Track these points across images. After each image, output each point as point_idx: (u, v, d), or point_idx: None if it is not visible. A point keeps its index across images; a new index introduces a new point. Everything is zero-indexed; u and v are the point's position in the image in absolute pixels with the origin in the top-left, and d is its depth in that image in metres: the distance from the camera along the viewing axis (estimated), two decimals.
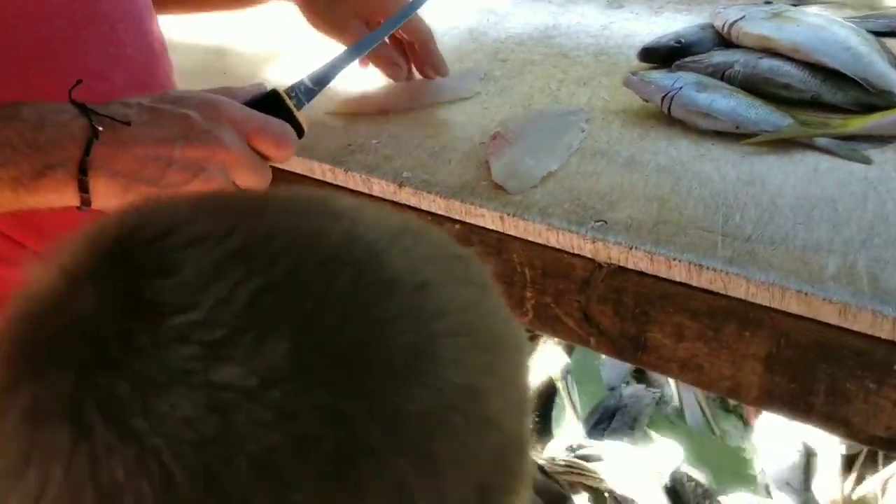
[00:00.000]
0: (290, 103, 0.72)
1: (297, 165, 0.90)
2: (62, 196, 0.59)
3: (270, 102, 0.71)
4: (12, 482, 0.30)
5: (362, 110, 0.97)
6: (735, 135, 0.81)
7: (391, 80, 0.98)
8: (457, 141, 0.88)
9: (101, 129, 0.59)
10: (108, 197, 0.60)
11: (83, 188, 0.59)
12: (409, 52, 1.00)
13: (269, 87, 0.73)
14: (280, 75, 1.02)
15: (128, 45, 0.78)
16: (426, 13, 1.00)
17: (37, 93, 0.63)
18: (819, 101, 0.84)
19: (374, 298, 0.33)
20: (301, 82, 0.77)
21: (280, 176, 0.92)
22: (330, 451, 0.29)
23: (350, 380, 0.31)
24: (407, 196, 0.81)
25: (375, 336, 0.32)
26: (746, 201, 0.71)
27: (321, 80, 0.79)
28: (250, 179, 0.66)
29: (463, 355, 0.34)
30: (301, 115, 0.73)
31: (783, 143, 0.79)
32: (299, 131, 0.72)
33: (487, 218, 0.76)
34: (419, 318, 0.33)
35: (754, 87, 0.86)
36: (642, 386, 1.90)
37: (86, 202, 0.60)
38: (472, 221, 0.78)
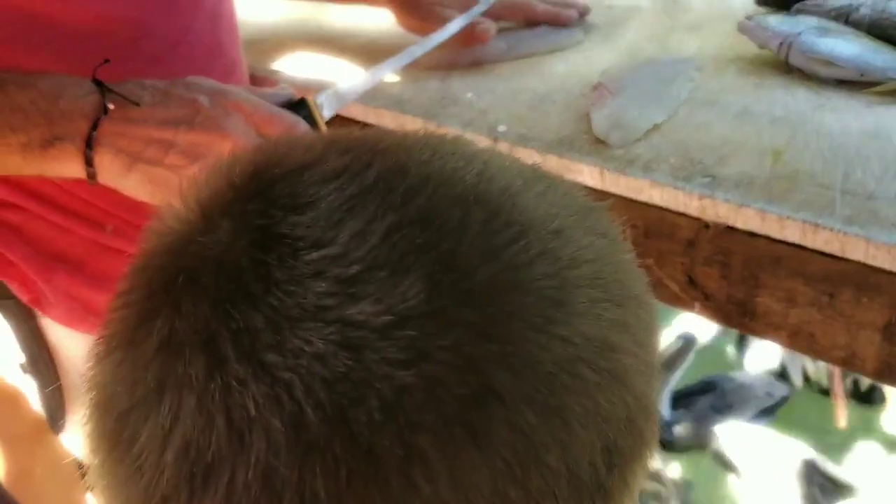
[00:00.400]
0: (316, 112, 0.69)
1: (388, 119, 0.89)
2: (68, 167, 0.61)
3: (298, 110, 0.68)
4: (146, 411, 0.30)
5: (458, 63, 0.94)
6: (859, 83, 0.74)
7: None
8: (556, 93, 0.84)
9: (111, 106, 0.61)
10: (112, 173, 0.61)
11: (88, 162, 0.61)
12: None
13: (295, 94, 0.70)
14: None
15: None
16: None
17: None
18: None
19: (510, 240, 0.32)
20: (333, 90, 0.73)
21: None
22: (459, 395, 0.28)
23: (484, 323, 0.30)
24: (503, 151, 0.78)
25: (510, 279, 0.31)
26: (870, 155, 0.65)
27: (352, 91, 0.76)
28: None
29: (596, 308, 0.32)
30: (324, 126, 0.70)
31: None
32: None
33: (586, 173, 0.72)
34: (554, 265, 0.32)
35: (883, 32, 0.79)
36: None
37: (91, 176, 0.61)
38: (571, 177, 0.74)
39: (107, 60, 0.63)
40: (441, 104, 0.86)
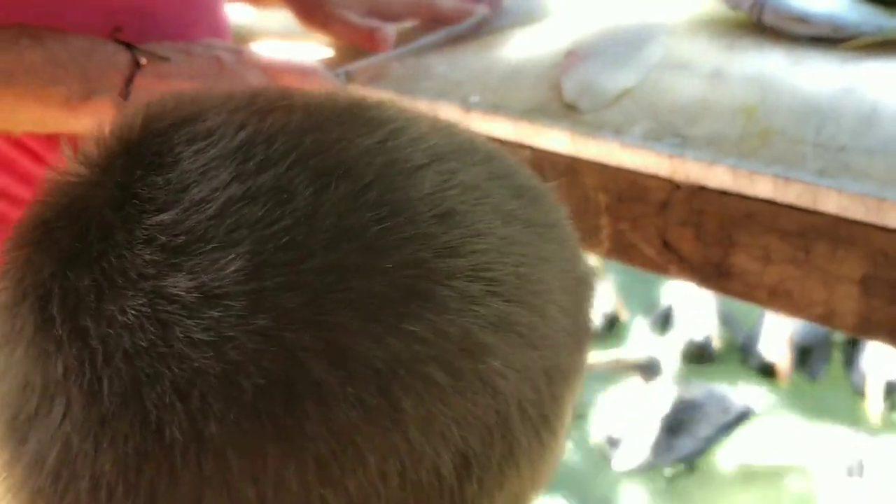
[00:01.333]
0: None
1: (360, 95, 0.87)
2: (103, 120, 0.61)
3: None
4: None
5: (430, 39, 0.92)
6: (835, 40, 0.73)
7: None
8: (528, 64, 0.83)
9: (143, 61, 0.64)
10: None
11: None
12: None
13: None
14: None
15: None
16: None
17: None
18: None
19: (371, 221, 0.29)
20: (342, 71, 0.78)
21: None
22: (259, 384, 0.26)
23: (307, 309, 0.27)
24: (475, 121, 0.77)
25: (358, 263, 0.28)
26: (843, 111, 0.64)
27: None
28: None
29: (472, 303, 0.29)
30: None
31: (890, 46, 0.70)
32: None
33: (557, 138, 0.71)
34: (423, 251, 0.29)
35: None
36: None
37: None
38: (543, 146, 0.73)
39: (119, 28, 0.67)
40: (414, 78, 0.85)
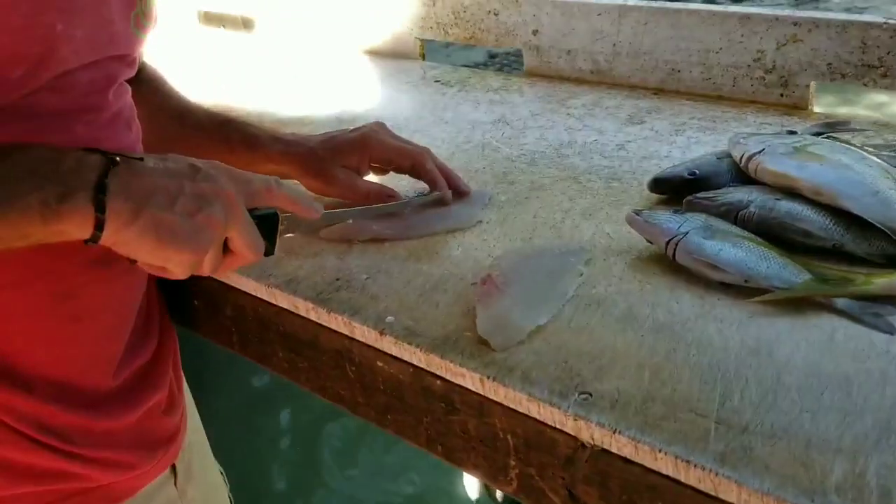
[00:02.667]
0: (280, 229, 0.75)
1: (281, 299, 0.86)
2: (82, 221, 0.61)
3: (265, 220, 0.73)
4: None
5: (357, 237, 0.92)
6: (746, 288, 0.74)
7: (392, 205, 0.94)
8: (448, 279, 0.83)
9: (117, 158, 0.64)
10: (122, 220, 0.62)
11: (100, 209, 0.61)
12: (414, 177, 0.97)
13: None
14: None
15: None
16: (442, 124, 0.96)
17: None
18: (842, 251, 0.77)
19: None
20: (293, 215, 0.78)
21: (271, 310, 0.88)
22: None
23: None
24: (388, 345, 0.76)
25: None
26: (748, 376, 0.64)
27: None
28: (245, 237, 0.69)
29: None
30: (279, 242, 0.76)
31: (797, 302, 0.71)
32: (269, 250, 0.75)
33: (468, 378, 0.70)
34: None
35: (770, 231, 0.79)
36: None
37: (99, 224, 0.61)
38: (454, 380, 0.72)
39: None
40: (335, 286, 0.84)
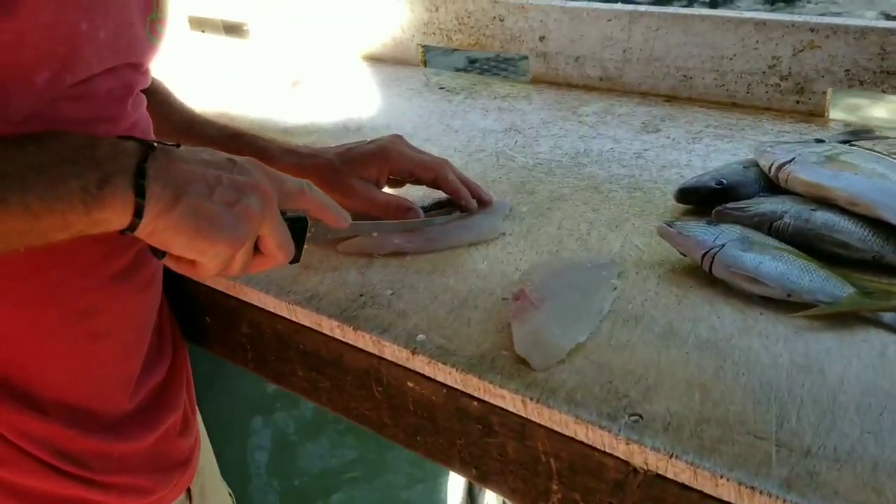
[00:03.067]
0: (307, 235, 0.73)
1: (303, 317, 0.83)
2: (122, 207, 0.59)
3: (294, 223, 0.72)
4: None
5: (378, 251, 0.90)
6: (786, 302, 0.72)
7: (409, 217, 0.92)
8: (477, 294, 0.80)
9: (155, 144, 0.62)
10: (161, 205, 0.60)
11: (140, 193, 0.59)
12: (435, 188, 0.95)
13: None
14: None
15: None
16: (451, 133, 0.94)
17: None
18: (881, 263, 0.76)
19: None
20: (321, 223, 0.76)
21: (291, 327, 0.85)
22: None
23: None
24: (421, 365, 0.74)
25: None
26: (803, 396, 0.62)
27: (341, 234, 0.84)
28: (277, 235, 0.68)
29: None
30: (306, 248, 0.74)
31: (843, 317, 0.70)
32: (297, 256, 0.73)
33: (508, 400, 0.68)
34: None
35: (807, 242, 0.78)
36: None
37: (138, 211, 0.59)
38: (492, 401, 0.69)
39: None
40: (359, 303, 0.81)
